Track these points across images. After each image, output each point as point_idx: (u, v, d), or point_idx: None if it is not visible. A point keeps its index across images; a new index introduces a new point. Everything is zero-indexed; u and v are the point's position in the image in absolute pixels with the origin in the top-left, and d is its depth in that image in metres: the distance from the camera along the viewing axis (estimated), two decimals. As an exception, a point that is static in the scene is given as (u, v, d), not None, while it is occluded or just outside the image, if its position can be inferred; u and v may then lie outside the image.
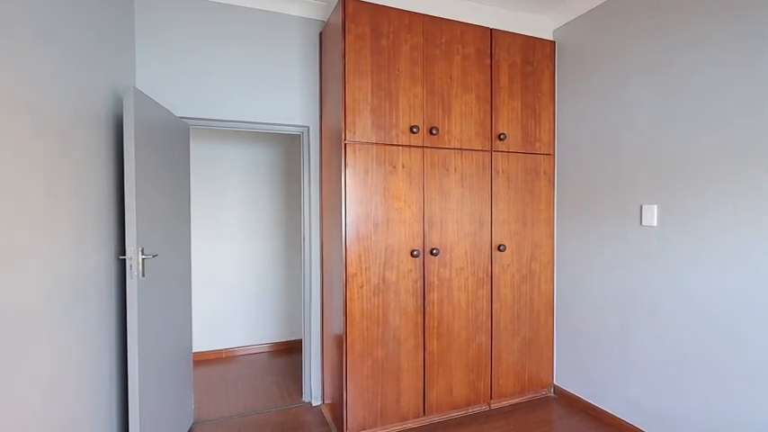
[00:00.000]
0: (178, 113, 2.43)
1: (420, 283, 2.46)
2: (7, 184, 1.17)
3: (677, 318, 2.12)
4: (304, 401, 2.81)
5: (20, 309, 1.22)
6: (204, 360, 3.61)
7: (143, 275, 1.82)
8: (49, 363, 1.37)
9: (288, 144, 3.97)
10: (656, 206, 2.21)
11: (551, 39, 2.88)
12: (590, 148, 2.62)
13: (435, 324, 2.51)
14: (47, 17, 1.38)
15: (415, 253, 2.41)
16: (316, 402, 2.78)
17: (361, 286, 2.32)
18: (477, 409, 2.65)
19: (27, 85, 1.26)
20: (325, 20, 2.72)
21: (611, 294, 2.49)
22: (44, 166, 1.35)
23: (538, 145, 2.80)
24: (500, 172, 2.68)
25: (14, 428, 1.19)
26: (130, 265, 1.76)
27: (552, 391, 2.91)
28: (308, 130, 2.74)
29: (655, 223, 2.21)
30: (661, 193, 2.19)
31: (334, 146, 2.41)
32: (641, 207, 2.28)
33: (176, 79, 2.43)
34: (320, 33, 2.74)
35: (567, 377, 2.82)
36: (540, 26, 2.85)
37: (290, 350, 3.87)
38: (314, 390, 2.77)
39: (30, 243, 1.27)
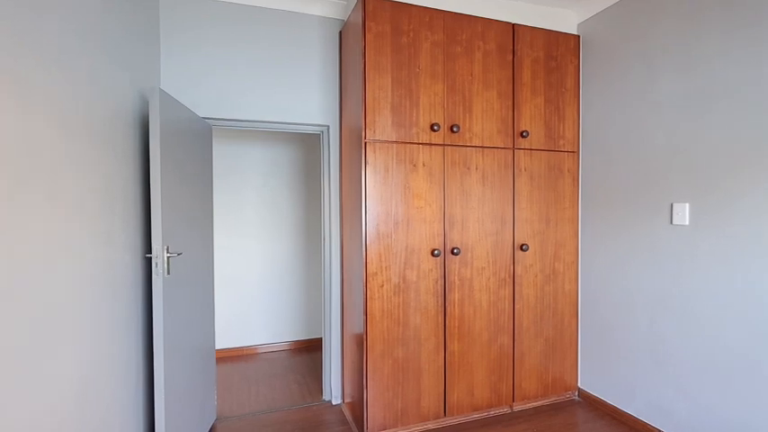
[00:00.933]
0: (199, 113, 2.47)
1: (441, 282, 2.43)
2: (43, 184, 1.20)
3: (713, 320, 2.04)
4: (324, 400, 2.82)
5: (55, 306, 1.25)
6: (226, 357, 3.67)
7: (168, 273, 1.85)
8: (83, 360, 1.41)
9: (308, 143, 3.99)
10: (687, 205, 2.12)
11: (576, 33, 2.81)
12: (617, 145, 2.54)
13: (456, 324, 2.48)
14: (80, 15, 1.41)
15: (435, 252, 2.38)
16: (336, 401, 2.78)
17: (382, 285, 2.31)
18: (498, 411, 2.61)
19: (62, 85, 1.29)
20: (345, 18, 2.72)
21: (640, 295, 2.41)
22: (76, 166, 1.38)
23: (562, 142, 2.73)
24: (523, 170, 2.62)
25: (51, 427, 1.22)
26: (156, 263, 1.79)
27: (577, 394, 2.84)
28: (328, 129, 2.74)
29: (687, 222, 2.13)
30: (693, 192, 2.11)
31: (354, 145, 2.41)
32: (672, 206, 2.20)
33: (197, 79, 2.47)
34: (340, 32, 2.74)
35: (592, 380, 2.75)
36: (563, 20, 2.78)
37: (310, 348, 3.89)
38: (334, 388, 2.78)
39: (63, 241, 1.30)
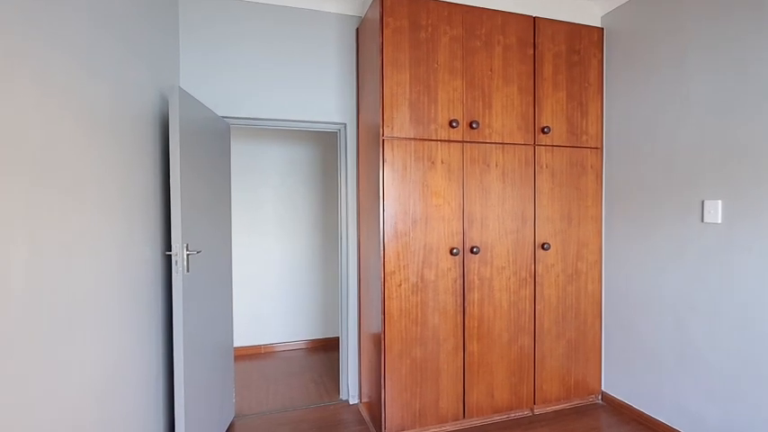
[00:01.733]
0: (218, 112, 2.48)
1: (459, 282, 2.39)
2: (63, 179, 1.21)
3: (746, 322, 1.94)
4: (341, 399, 2.81)
5: (75, 304, 1.27)
6: (244, 355, 3.69)
7: (188, 271, 1.86)
8: (105, 359, 1.42)
9: (324, 141, 3.99)
10: (720, 202, 2.03)
11: (599, 26, 2.73)
12: (643, 140, 2.45)
13: (476, 324, 2.43)
14: (104, 10, 1.42)
15: (454, 251, 2.34)
16: (353, 401, 2.77)
17: (399, 284, 2.28)
18: (519, 413, 2.55)
19: (84, 79, 1.30)
20: (362, 15, 2.70)
21: (667, 295, 2.32)
22: (97, 162, 1.40)
23: (584, 138, 2.65)
24: (544, 167, 2.56)
25: (74, 424, 1.23)
26: (176, 261, 1.80)
27: (600, 397, 2.76)
28: (345, 127, 2.73)
29: (719, 220, 2.04)
30: (726, 188, 2.01)
31: (372, 142, 2.38)
32: (703, 203, 2.11)
33: (215, 77, 2.48)
34: (357, 29, 2.72)
35: (616, 383, 2.66)
36: (586, 12, 2.70)
37: (327, 347, 3.89)
38: (351, 388, 2.76)
39: (83, 238, 1.31)
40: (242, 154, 3.73)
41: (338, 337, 3.97)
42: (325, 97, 2.68)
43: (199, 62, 2.45)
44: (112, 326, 1.49)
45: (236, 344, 3.71)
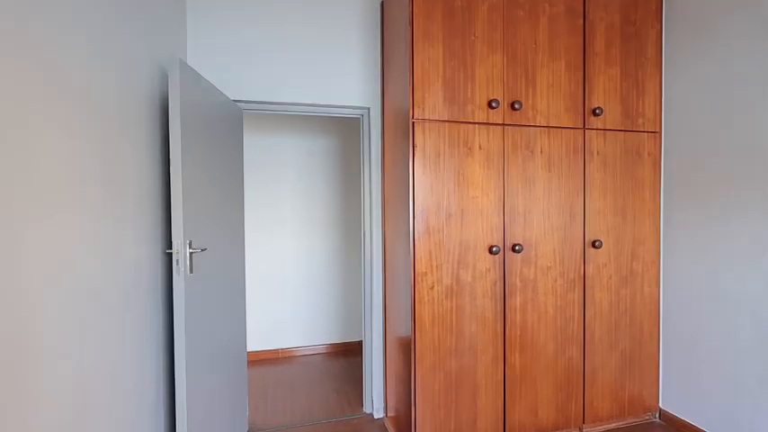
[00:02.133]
0: (228, 95, 2.25)
1: (500, 284, 2.10)
2: (52, 174, 0.98)
3: None
4: (365, 412, 2.55)
5: (62, 310, 1.04)
6: (260, 360, 3.48)
7: (191, 271, 1.62)
8: (94, 366, 1.19)
9: (345, 131, 3.73)
10: (822, 190, 1.69)
11: (658, -8, 2.39)
12: (711, 123, 2.11)
13: (518, 333, 2.14)
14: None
15: (494, 249, 2.05)
16: (378, 414, 2.51)
17: (432, 287, 2.01)
18: (566, 434, 2.25)
19: (67, 59, 1.07)
20: (387, -13, 2.42)
21: (744, 302, 1.98)
22: (86, 153, 1.16)
23: (641, 121, 2.32)
24: (595, 154, 2.24)
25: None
26: (177, 260, 1.57)
27: (657, 415, 2.43)
28: (369, 111, 2.46)
29: (822, 213, 1.69)
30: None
31: (400, 126, 2.11)
32: (798, 192, 1.77)
33: (227, 59, 2.25)
34: (381, 3, 2.45)
35: (676, 400, 2.33)
36: (643, -22, 2.36)
37: (348, 352, 3.64)
38: (375, 401, 2.50)
39: (66, 237, 1.09)
40: (256, 146, 3.50)
41: (360, 341, 3.72)
42: (346, 79, 2.42)
43: (208, 44, 2.22)
44: (105, 334, 1.26)
45: (252, 348, 3.50)
